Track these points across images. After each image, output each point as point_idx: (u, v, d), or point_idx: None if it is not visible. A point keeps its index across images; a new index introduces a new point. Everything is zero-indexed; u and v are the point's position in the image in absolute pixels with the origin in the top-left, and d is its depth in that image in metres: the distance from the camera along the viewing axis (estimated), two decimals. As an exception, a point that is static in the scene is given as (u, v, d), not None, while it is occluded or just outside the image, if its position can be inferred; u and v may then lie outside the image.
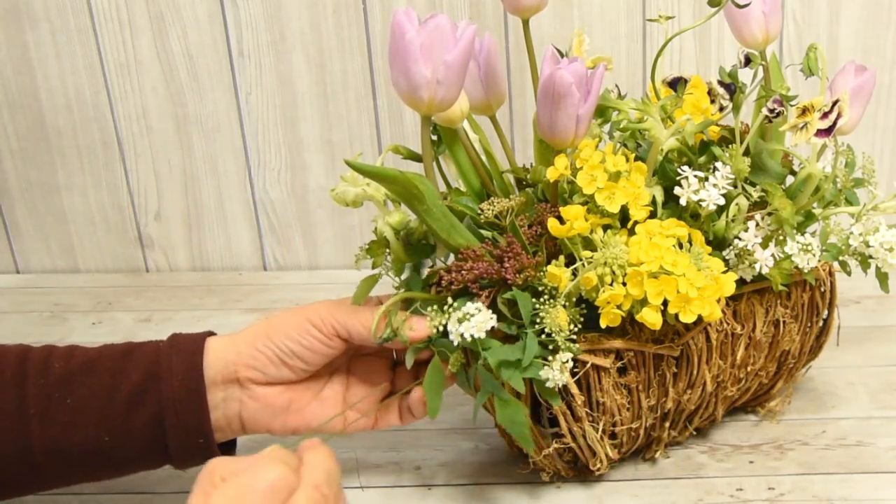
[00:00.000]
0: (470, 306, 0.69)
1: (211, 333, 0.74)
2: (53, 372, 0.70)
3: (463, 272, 0.70)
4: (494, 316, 0.69)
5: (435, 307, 0.71)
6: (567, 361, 0.69)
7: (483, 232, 0.74)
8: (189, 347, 0.72)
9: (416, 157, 0.80)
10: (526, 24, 0.78)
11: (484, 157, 0.81)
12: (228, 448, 0.76)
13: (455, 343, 0.69)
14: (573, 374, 0.71)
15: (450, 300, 0.70)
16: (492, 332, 0.70)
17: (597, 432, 0.74)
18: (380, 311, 0.72)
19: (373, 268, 0.79)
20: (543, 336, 0.69)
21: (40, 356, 0.71)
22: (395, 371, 0.79)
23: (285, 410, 0.75)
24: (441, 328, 0.71)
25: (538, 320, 0.69)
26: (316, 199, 1.15)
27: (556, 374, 0.69)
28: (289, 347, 0.72)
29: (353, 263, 0.79)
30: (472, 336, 0.68)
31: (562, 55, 0.74)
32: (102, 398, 0.69)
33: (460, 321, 0.69)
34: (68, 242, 1.18)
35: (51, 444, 0.68)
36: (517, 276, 0.70)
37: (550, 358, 0.69)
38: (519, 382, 0.68)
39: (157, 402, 0.70)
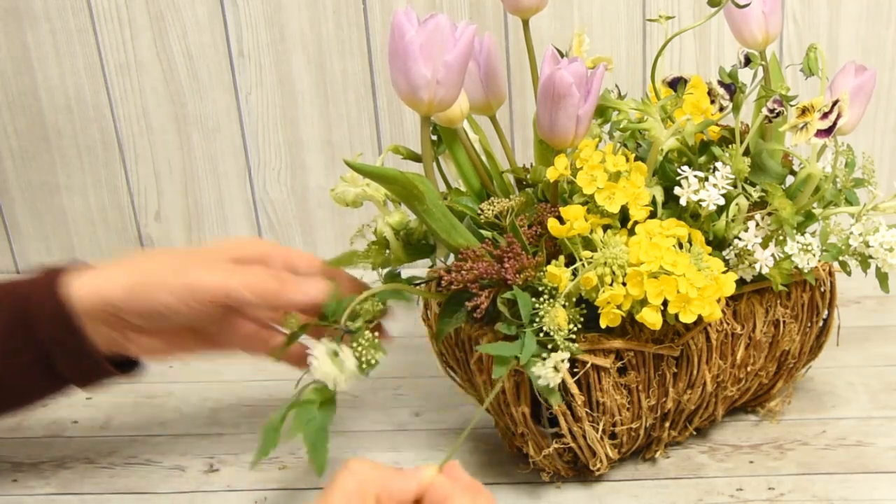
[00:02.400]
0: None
1: (77, 266, 0.73)
2: None
3: (463, 272, 0.70)
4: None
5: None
6: (563, 361, 0.69)
7: (483, 232, 0.74)
8: (53, 285, 0.70)
9: (415, 158, 0.80)
10: (526, 24, 0.78)
11: (484, 157, 0.81)
12: (130, 367, 0.75)
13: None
14: (573, 374, 0.71)
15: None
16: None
17: (597, 432, 0.74)
18: (350, 306, 0.70)
19: (372, 269, 0.79)
20: (542, 335, 0.69)
21: None
22: None
23: (164, 350, 0.74)
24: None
25: (537, 320, 0.69)
26: (316, 199, 1.15)
27: (548, 371, 0.68)
28: (160, 312, 0.70)
29: (353, 263, 0.79)
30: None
31: (562, 55, 0.74)
32: None
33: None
34: (68, 242, 1.18)
35: None
36: (517, 276, 0.70)
37: (546, 356, 0.69)
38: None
39: (34, 346, 0.69)
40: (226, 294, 0.69)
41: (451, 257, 0.75)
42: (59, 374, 0.71)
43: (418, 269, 0.82)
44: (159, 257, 0.74)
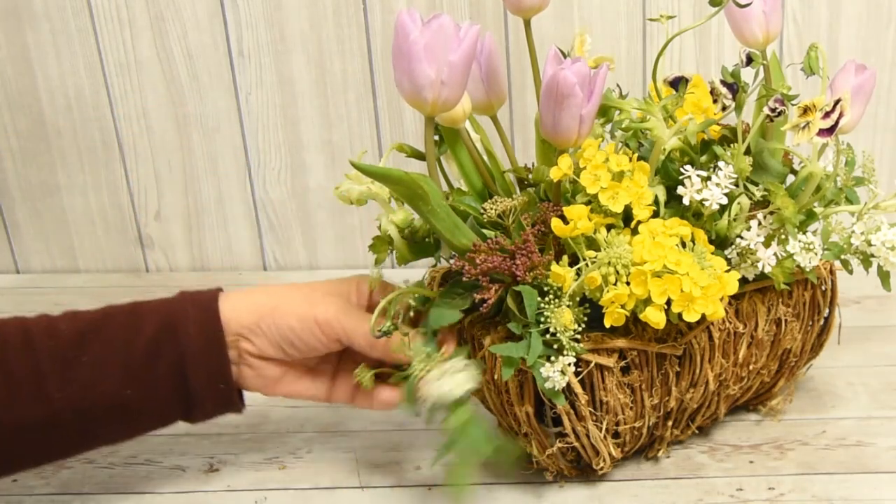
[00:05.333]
0: (453, 364, 0.71)
1: (220, 290, 0.75)
2: (61, 334, 0.70)
3: (477, 263, 0.70)
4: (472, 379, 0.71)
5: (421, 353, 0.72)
6: (570, 365, 0.69)
7: (486, 231, 0.74)
8: (204, 298, 0.73)
9: (419, 156, 0.80)
10: (527, 24, 0.78)
11: (486, 157, 0.81)
12: (240, 397, 0.77)
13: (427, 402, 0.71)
14: (577, 374, 0.71)
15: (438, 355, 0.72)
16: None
17: (600, 431, 0.74)
18: (379, 306, 0.72)
19: (375, 265, 0.78)
20: (548, 336, 0.69)
21: (42, 322, 0.71)
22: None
23: (278, 381, 0.75)
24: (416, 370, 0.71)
25: (543, 319, 0.69)
26: (316, 199, 1.15)
27: (556, 374, 0.69)
28: (289, 338, 0.73)
29: (354, 263, 0.79)
30: (449, 391, 0.70)
31: (564, 55, 0.74)
32: (120, 352, 0.70)
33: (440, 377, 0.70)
34: (68, 242, 1.18)
35: (72, 403, 0.69)
36: (527, 273, 0.69)
37: (553, 358, 0.69)
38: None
39: (177, 351, 0.71)
40: (343, 331, 0.73)
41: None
42: (190, 392, 0.72)
43: (421, 267, 0.82)
44: (289, 288, 0.76)
